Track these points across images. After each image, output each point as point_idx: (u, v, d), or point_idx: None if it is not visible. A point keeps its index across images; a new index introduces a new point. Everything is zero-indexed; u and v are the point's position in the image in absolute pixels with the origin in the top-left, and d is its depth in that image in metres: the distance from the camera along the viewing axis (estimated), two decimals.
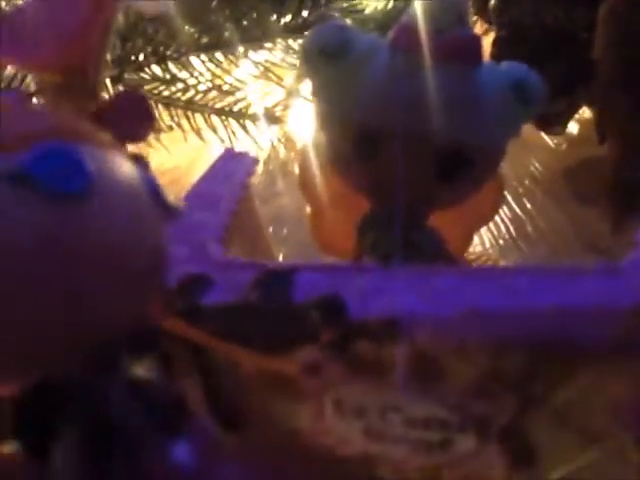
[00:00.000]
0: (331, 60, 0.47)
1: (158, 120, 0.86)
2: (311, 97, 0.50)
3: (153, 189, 0.34)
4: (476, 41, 0.47)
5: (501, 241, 0.69)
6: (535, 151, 0.83)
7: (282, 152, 0.91)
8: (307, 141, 0.53)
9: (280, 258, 0.69)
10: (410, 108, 0.45)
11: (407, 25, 0.46)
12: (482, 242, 0.68)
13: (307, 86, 0.92)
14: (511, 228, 0.71)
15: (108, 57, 0.86)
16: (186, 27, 0.90)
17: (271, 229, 0.76)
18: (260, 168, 0.89)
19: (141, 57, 0.88)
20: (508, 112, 0.48)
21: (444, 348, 0.35)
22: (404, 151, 0.46)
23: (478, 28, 0.82)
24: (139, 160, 0.36)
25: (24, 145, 0.29)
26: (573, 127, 0.85)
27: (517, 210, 0.74)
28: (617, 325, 0.35)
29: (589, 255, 0.66)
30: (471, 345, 0.35)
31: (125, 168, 0.32)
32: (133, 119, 0.37)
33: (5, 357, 0.29)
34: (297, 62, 0.91)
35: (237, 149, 0.54)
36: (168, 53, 0.89)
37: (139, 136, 0.38)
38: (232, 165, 0.52)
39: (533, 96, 0.48)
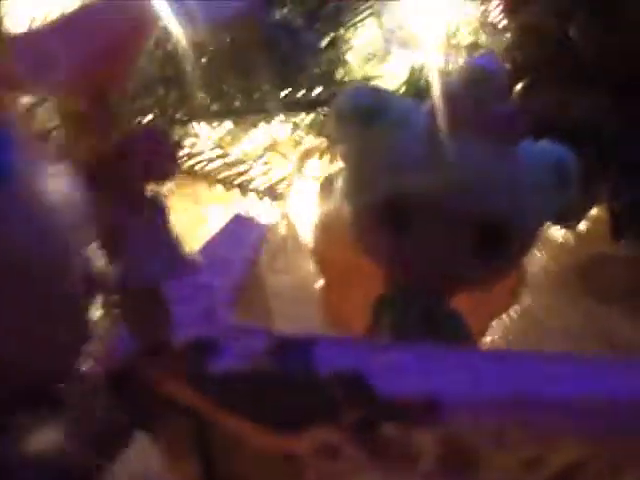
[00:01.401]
0: (364, 123, 0.44)
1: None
2: (341, 161, 0.47)
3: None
4: (518, 117, 0.44)
5: (510, 336, 0.66)
6: (545, 245, 0.81)
7: (282, 229, 0.88)
8: (325, 211, 0.51)
9: None
10: (446, 181, 0.42)
11: (447, 94, 0.44)
12: (493, 333, 0.65)
13: (311, 165, 0.91)
14: (523, 321, 0.68)
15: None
16: (197, 92, 0.89)
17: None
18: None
19: (147, 118, 0.86)
20: (545, 193, 0.45)
21: (482, 435, 0.31)
22: (437, 226, 0.43)
23: None
24: (153, 200, 0.34)
25: None
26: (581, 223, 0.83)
27: (530, 304, 0.71)
28: None
29: (604, 354, 0.63)
30: (513, 433, 0.31)
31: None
32: (154, 155, 0.34)
33: None
34: (305, 138, 0.89)
35: (248, 215, 0.52)
36: (177, 117, 0.87)
37: (160, 174, 0.35)
38: (243, 229, 0.49)
39: (571, 180, 0.46)
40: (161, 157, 0.34)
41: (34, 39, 0.34)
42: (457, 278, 0.45)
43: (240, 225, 0.50)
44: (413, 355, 0.35)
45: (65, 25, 0.35)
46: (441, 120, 0.43)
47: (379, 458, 0.32)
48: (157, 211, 0.34)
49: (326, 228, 0.49)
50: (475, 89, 0.44)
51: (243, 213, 0.51)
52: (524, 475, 0.32)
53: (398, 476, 0.32)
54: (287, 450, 0.34)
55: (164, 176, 0.35)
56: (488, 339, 0.63)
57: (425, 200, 0.43)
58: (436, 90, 0.43)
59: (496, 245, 0.44)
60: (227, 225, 0.50)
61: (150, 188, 0.35)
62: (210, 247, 0.47)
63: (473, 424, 0.32)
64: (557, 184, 0.46)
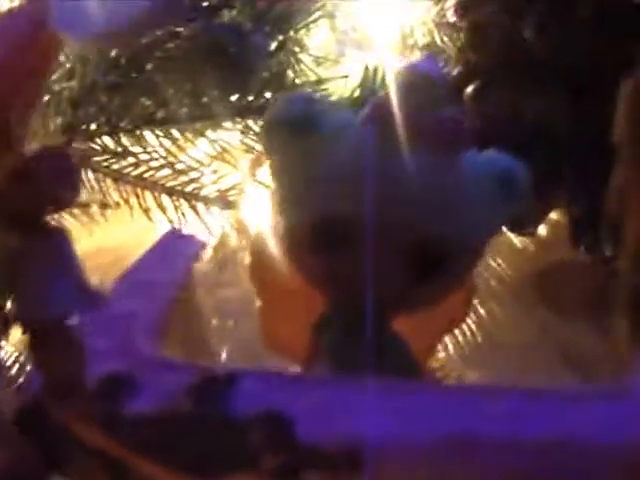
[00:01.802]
0: (296, 134, 0.41)
1: (87, 186, 0.81)
2: (270, 175, 0.44)
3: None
4: (463, 126, 0.41)
5: (466, 349, 0.63)
6: (503, 252, 0.78)
7: (233, 239, 0.85)
8: (262, 227, 0.47)
9: (222, 356, 0.63)
10: (383, 196, 0.39)
11: (384, 100, 0.41)
12: (445, 349, 0.62)
13: (265, 171, 0.87)
14: (477, 334, 0.65)
15: (58, 123, 0.83)
16: (142, 99, 0.86)
17: (215, 322, 0.69)
18: (208, 255, 0.84)
19: (92, 126, 0.83)
20: (491, 206, 0.42)
21: None
22: (373, 244, 0.40)
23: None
24: (55, 229, 0.31)
25: None
26: (541, 229, 0.80)
27: (483, 315, 0.68)
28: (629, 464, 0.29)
29: (564, 370, 0.61)
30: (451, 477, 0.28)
31: None
32: (55, 179, 0.31)
33: None
34: (256, 145, 0.87)
35: (184, 231, 0.48)
36: (121, 125, 0.84)
37: (61, 198, 0.32)
38: (176, 248, 0.46)
39: (519, 191, 0.43)
40: (61, 182, 0.31)
41: None
42: (396, 300, 0.42)
43: (172, 242, 0.47)
44: (342, 393, 0.32)
45: None
46: (378, 130, 0.40)
47: None
48: (59, 240, 0.31)
49: (261, 244, 0.46)
50: (415, 95, 0.41)
51: (176, 229, 0.48)
52: None
53: None
54: None
55: (63, 203, 0.32)
56: (441, 355, 0.60)
57: (360, 217, 0.40)
58: (374, 98, 0.40)
59: (438, 263, 0.41)
60: (157, 243, 0.47)
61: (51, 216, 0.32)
62: (137, 269, 0.44)
63: (404, 473, 0.29)
64: (504, 195, 0.43)
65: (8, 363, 0.35)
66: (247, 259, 0.48)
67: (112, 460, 0.32)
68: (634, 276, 0.34)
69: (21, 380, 0.33)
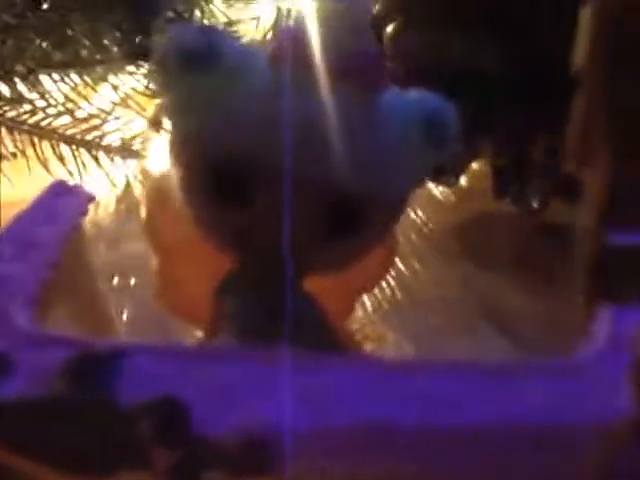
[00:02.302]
0: (193, 69, 0.36)
1: None
2: (165, 116, 0.39)
3: None
4: (378, 58, 0.37)
5: (386, 305, 0.60)
6: (422, 203, 0.75)
7: (137, 190, 0.81)
8: (158, 176, 0.43)
9: (123, 319, 0.58)
10: (290, 142, 0.34)
11: (293, 34, 0.36)
12: (364, 306, 0.58)
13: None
14: (397, 290, 0.62)
15: None
16: (38, 41, 0.81)
17: (116, 279, 0.65)
18: (111, 207, 0.80)
19: None
20: (414, 153, 0.38)
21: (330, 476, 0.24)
22: (280, 197, 0.35)
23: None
24: None
25: None
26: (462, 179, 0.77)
27: (403, 270, 0.65)
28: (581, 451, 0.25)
29: (487, 326, 0.57)
30: (368, 473, 0.24)
31: None
32: None
33: None
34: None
35: (70, 182, 0.43)
36: (16, 69, 0.79)
37: None
38: (60, 202, 0.41)
39: (447, 134, 0.38)
40: None
41: None
42: (303, 262, 0.37)
43: (57, 196, 0.42)
44: (245, 371, 0.28)
45: None
46: (286, 66, 0.35)
47: None
48: None
49: (158, 194, 0.41)
50: (328, 27, 0.36)
51: (61, 181, 0.43)
52: None
53: None
54: None
55: None
56: (360, 314, 0.56)
57: (263, 166, 0.35)
58: (282, 28, 0.36)
59: (352, 220, 0.37)
60: (40, 196, 0.41)
61: None
62: (17, 226, 0.39)
63: (316, 468, 0.24)
64: (430, 140, 0.38)
65: None
66: (142, 211, 0.43)
67: None
68: (598, 233, 0.30)
69: None
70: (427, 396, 0.27)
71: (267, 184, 0.36)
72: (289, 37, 0.36)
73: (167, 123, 0.40)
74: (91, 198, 0.42)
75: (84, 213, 0.41)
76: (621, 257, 0.30)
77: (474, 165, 0.75)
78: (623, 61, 0.29)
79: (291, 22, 0.36)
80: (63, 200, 0.41)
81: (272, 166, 0.35)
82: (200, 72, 0.36)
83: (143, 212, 0.43)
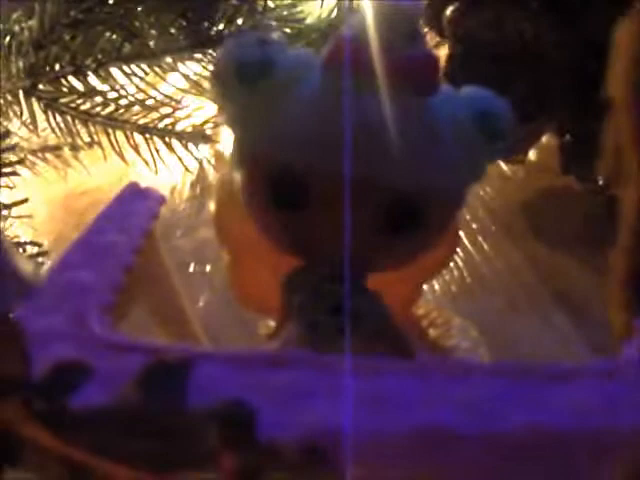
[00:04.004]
0: (249, 82, 0.37)
1: (57, 129, 0.79)
2: (226, 125, 0.40)
3: None
4: (433, 63, 0.38)
5: (453, 287, 0.60)
6: (490, 179, 0.75)
7: (212, 175, 0.82)
8: (227, 172, 0.44)
9: (200, 305, 0.60)
10: (346, 146, 0.35)
11: (346, 40, 0.37)
12: (432, 289, 0.59)
13: None
14: (464, 271, 0.62)
15: (20, 66, 0.80)
16: (107, 34, 0.82)
17: (192, 267, 0.67)
18: (185, 193, 0.82)
19: (57, 67, 0.80)
20: (469, 150, 0.39)
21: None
22: (338, 200, 0.36)
23: (429, 41, 0.73)
24: None
25: None
26: (531, 154, 0.77)
27: (471, 249, 0.65)
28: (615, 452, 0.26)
29: (554, 306, 0.58)
30: (423, 475, 0.25)
31: None
32: None
33: None
34: None
35: (141, 185, 0.45)
36: (87, 63, 0.80)
37: None
38: (132, 206, 0.42)
39: (500, 130, 0.39)
40: None
41: None
42: (367, 261, 0.38)
43: (130, 200, 0.43)
44: (307, 377, 0.29)
45: None
46: (340, 72, 0.36)
47: None
48: None
49: (228, 194, 0.43)
50: (382, 30, 0.37)
51: (137, 183, 0.44)
52: None
53: None
54: None
55: None
56: (429, 297, 0.57)
57: (321, 171, 0.37)
58: (333, 37, 0.36)
59: (411, 220, 0.38)
60: (114, 201, 0.43)
61: None
62: (91, 231, 0.41)
63: (375, 466, 0.26)
64: (484, 136, 0.39)
65: None
66: (212, 207, 0.45)
67: (70, 464, 0.29)
68: (634, 251, 0.31)
69: None
70: (480, 402, 0.28)
71: (325, 188, 0.37)
72: (342, 43, 0.37)
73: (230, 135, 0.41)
74: (163, 200, 0.44)
75: (156, 216, 0.43)
76: None
77: (544, 139, 0.75)
78: None
79: (344, 28, 0.37)
80: (135, 204, 0.43)
81: (329, 171, 0.36)
82: (255, 84, 0.37)
83: (213, 207, 0.45)
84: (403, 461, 0.26)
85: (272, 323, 0.46)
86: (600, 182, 0.63)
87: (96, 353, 0.32)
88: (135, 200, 0.43)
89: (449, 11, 0.64)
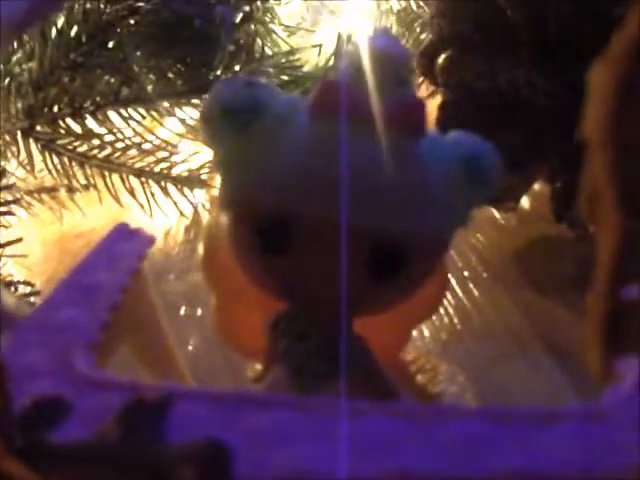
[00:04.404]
0: (237, 125, 0.38)
1: (53, 171, 0.79)
2: (214, 168, 0.40)
3: None
4: (420, 108, 0.38)
5: (443, 334, 0.61)
6: (482, 227, 0.75)
7: (205, 219, 0.82)
8: (216, 217, 0.44)
9: (189, 349, 0.60)
10: (332, 190, 0.36)
11: (332, 85, 0.37)
12: (421, 335, 0.59)
13: None
14: (455, 318, 0.62)
15: (19, 106, 0.80)
16: (105, 78, 0.83)
17: (183, 310, 0.67)
18: (180, 236, 0.82)
19: (55, 109, 0.81)
20: (456, 195, 0.39)
21: None
22: (324, 245, 0.36)
23: (423, 90, 0.74)
24: None
25: None
26: (524, 201, 0.77)
27: (462, 297, 0.65)
28: None
29: (544, 353, 0.58)
30: None
31: None
32: None
33: None
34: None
35: (131, 225, 0.45)
36: (85, 106, 0.81)
37: None
38: (121, 246, 0.43)
39: (488, 176, 0.39)
40: None
41: None
42: (352, 306, 0.38)
43: (118, 240, 0.43)
44: (289, 417, 0.29)
45: None
46: (326, 116, 0.36)
47: None
48: None
49: (215, 238, 0.43)
50: (371, 76, 0.37)
51: (123, 225, 0.45)
52: None
53: None
54: None
55: None
56: (418, 344, 0.57)
57: (306, 216, 0.37)
58: (320, 81, 0.37)
59: (394, 265, 0.38)
60: (102, 241, 0.43)
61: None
62: (78, 271, 0.41)
63: None
64: (470, 180, 0.39)
65: None
66: (200, 251, 0.45)
67: None
68: (607, 300, 0.31)
69: None
70: (459, 443, 0.28)
71: (309, 233, 0.37)
72: (328, 87, 0.37)
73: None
74: (152, 241, 0.44)
75: (144, 256, 0.43)
76: (631, 310, 0.30)
77: (536, 187, 0.75)
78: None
79: (332, 73, 0.37)
80: (124, 244, 0.43)
81: (313, 215, 0.36)
82: (243, 126, 0.37)
83: (201, 251, 0.45)
84: None
85: (260, 367, 0.46)
86: (591, 229, 0.63)
87: (77, 390, 0.32)
88: (124, 240, 0.43)
89: (441, 59, 0.65)
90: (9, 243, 0.66)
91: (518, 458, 0.28)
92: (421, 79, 0.70)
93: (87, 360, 0.35)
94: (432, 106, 0.66)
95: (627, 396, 0.30)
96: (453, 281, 0.66)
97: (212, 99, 0.38)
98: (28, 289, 0.63)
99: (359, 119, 0.36)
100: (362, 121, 0.36)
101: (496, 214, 0.76)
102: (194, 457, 0.26)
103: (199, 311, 0.67)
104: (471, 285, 0.66)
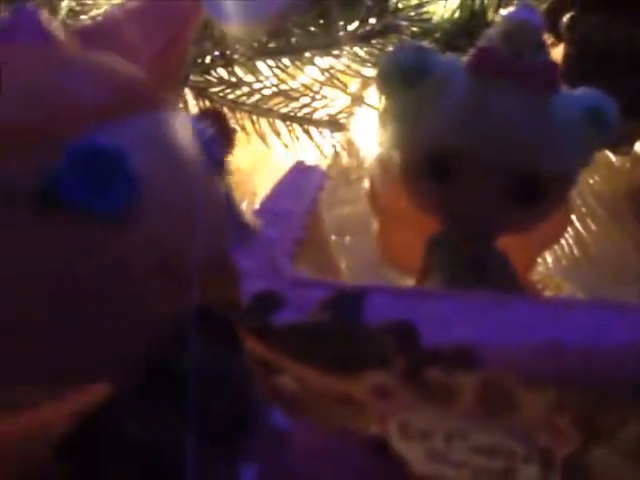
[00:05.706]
0: (409, 83, 0.47)
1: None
2: (387, 115, 0.50)
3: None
4: (554, 68, 0.47)
5: (564, 261, 0.69)
6: (598, 169, 0.82)
7: (345, 159, 0.89)
8: (379, 153, 0.53)
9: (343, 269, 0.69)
10: (487, 134, 0.45)
11: (486, 49, 0.46)
12: (545, 262, 0.68)
13: (372, 94, 0.92)
14: (575, 248, 0.71)
15: None
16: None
17: (333, 238, 0.75)
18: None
19: (207, 60, 0.88)
20: (583, 140, 0.48)
21: (514, 379, 0.35)
22: (478, 175, 0.46)
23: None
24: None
25: (53, 142, 0.24)
26: (638, 145, 0.84)
27: (581, 230, 0.74)
28: None
29: None
30: (541, 378, 0.35)
31: (179, 137, 0.29)
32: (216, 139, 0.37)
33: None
34: (363, 69, 0.91)
35: (307, 162, 0.55)
36: (235, 57, 0.88)
37: (219, 155, 0.38)
38: (302, 179, 0.52)
39: (608, 125, 0.48)
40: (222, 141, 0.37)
41: (113, 28, 0.36)
42: (498, 225, 0.48)
43: (299, 174, 0.53)
44: (455, 305, 0.39)
45: (137, 13, 0.37)
46: (480, 75, 0.46)
47: (425, 398, 0.36)
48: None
49: (382, 170, 0.52)
50: (513, 42, 0.46)
51: (303, 161, 0.54)
52: (552, 417, 0.36)
53: (443, 414, 0.36)
54: (346, 391, 0.38)
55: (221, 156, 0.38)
56: (541, 268, 0.66)
57: (465, 152, 0.46)
58: (476, 46, 0.46)
59: (534, 192, 0.47)
60: (287, 175, 0.53)
61: None
62: (271, 199, 0.51)
63: (505, 369, 0.35)
64: (593, 129, 0.48)
65: None
66: (366, 185, 0.54)
67: (265, 364, 0.39)
68: None
69: None
70: (583, 323, 0.38)
71: (467, 166, 0.47)
72: (482, 52, 0.46)
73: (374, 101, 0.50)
74: (326, 175, 0.54)
75: (322, 187, 0.53)
76: None
77: None
78: None
79: (482, 39, 0.46)
80: (304, 177, 0.53)
81: (471, 153, 0.46)
82: (414, 84, 0.47)
83: (366, 182, 0.55)
84: (523, 367, 0.36)
85: (409, 283, 0.55)
86: None
87: (289, 287, 0.42)
88: (304, 174, 0.53)
89: (565, 18, 0.72)
90: None
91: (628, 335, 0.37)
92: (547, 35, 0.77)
93: (288, 266, 0.45)
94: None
95: None
96: (573, 216, 0.74)
97: (388, 61, 0.48)
98: None
99: (507, 77, 0.46)
100: (509, 79, 0.46)
101: (612, 157, 0.84)
102: (392, 331, 0.36)
103: (347, 239, 0.76)
104: (588, 219, 0.75)
